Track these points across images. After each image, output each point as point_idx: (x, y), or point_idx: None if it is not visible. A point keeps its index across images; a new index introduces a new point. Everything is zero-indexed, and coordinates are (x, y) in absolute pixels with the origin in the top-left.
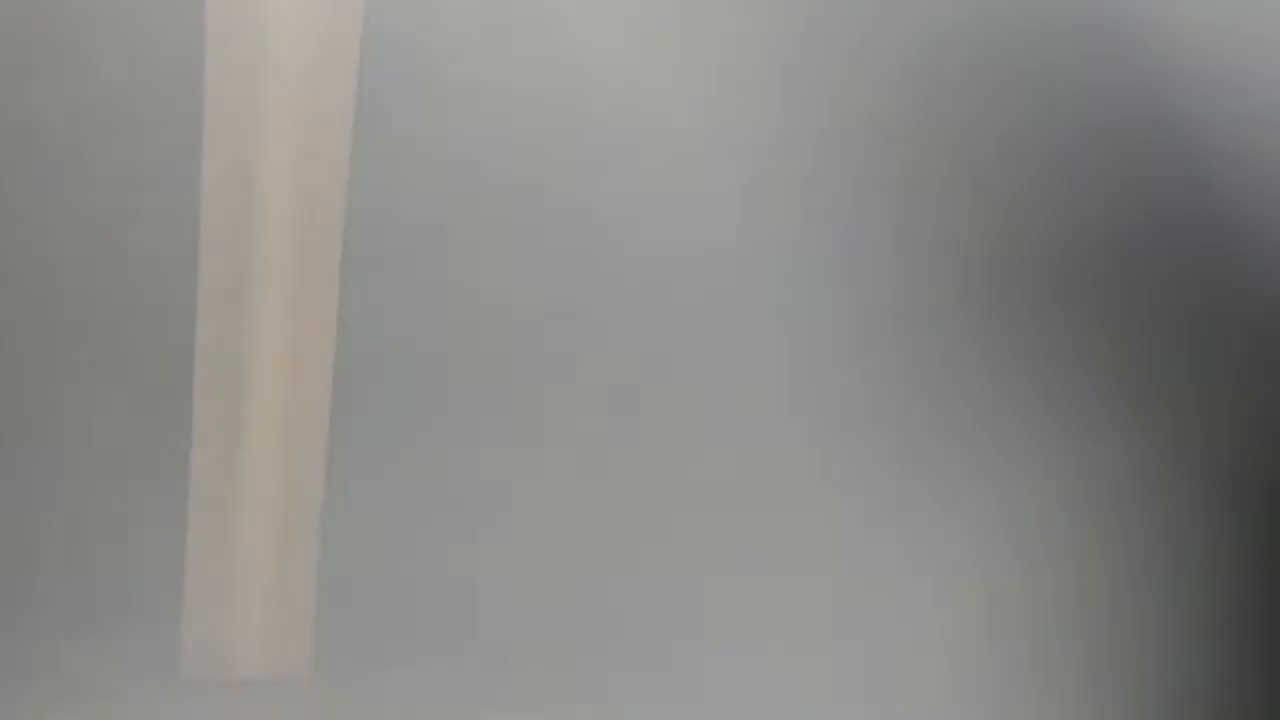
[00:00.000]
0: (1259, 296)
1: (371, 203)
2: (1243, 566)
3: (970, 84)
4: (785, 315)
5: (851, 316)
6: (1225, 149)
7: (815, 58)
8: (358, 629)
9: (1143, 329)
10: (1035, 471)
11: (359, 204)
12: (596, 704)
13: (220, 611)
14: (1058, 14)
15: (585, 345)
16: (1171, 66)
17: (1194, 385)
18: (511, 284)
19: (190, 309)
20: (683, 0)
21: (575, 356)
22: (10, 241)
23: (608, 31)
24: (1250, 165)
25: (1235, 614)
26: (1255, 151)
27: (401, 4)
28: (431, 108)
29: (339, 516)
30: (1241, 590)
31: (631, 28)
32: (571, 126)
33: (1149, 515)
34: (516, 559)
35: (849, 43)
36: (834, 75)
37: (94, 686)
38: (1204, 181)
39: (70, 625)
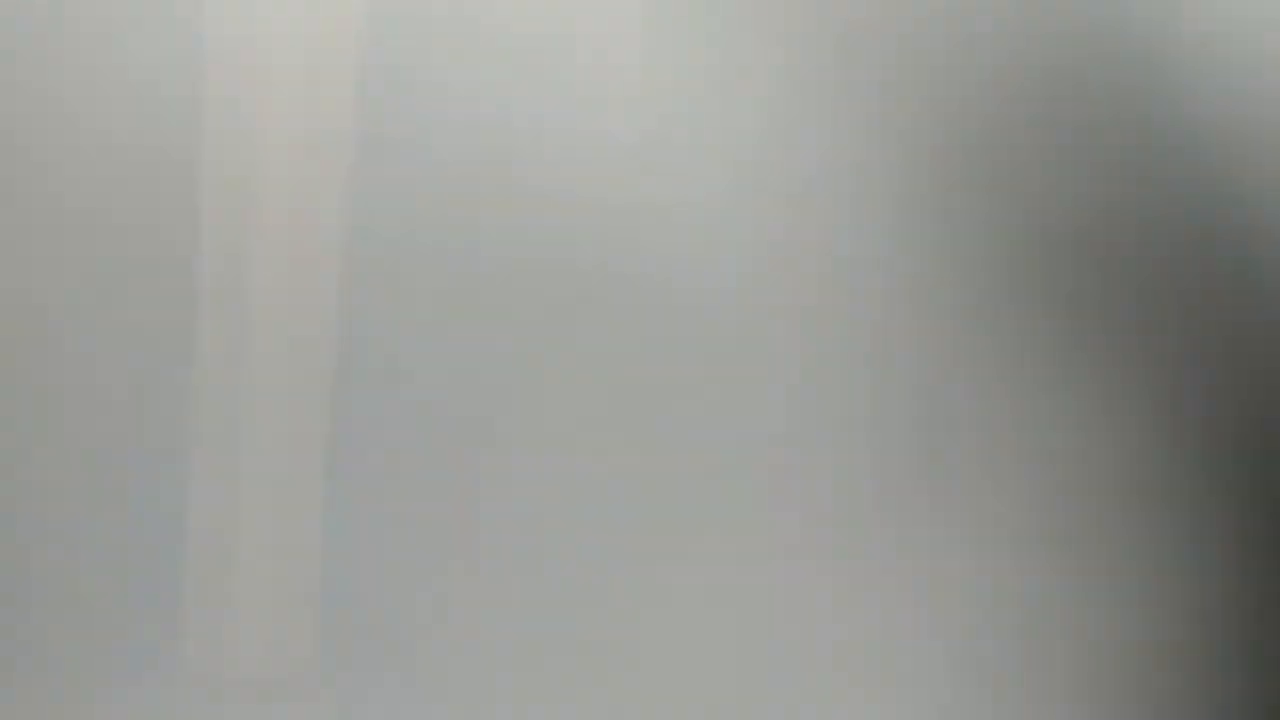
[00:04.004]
0: (1261, 292)
1: (372, 202)
2: (1243, 562)
3: (975, 85)
4: (788, 315)
5: (853, 316)
6: (1226, 147)
7: (821, 61)
8: (358, 629)
9: (1144, 327)
10: (1036, 468)
11: (360, 203)
12: (597, 704)
13: (221, 611)
14: (1062, 15)
15: (587, 346)
16: (1174, 66)
17: (1195, 383)
18: (513, 287)
19: (191, 309)
20: (689, 2)
21: (577, 357)
22: (9, 242)
23: (614, 34)
24: (1251, 162)
25: (1236, 610)
26: (1257, 149)
27: (402, 5)
28: (432, 107)
29: (340, 516)
30: (1242, 586)
31: (636, 27)
32: (576, 131)
33: (1150, 513)
34: (517, 559)
35: (855, 44)
36: (839, 78)
37: (95, 686)
38: (1206, 180)
39: (71, 625)
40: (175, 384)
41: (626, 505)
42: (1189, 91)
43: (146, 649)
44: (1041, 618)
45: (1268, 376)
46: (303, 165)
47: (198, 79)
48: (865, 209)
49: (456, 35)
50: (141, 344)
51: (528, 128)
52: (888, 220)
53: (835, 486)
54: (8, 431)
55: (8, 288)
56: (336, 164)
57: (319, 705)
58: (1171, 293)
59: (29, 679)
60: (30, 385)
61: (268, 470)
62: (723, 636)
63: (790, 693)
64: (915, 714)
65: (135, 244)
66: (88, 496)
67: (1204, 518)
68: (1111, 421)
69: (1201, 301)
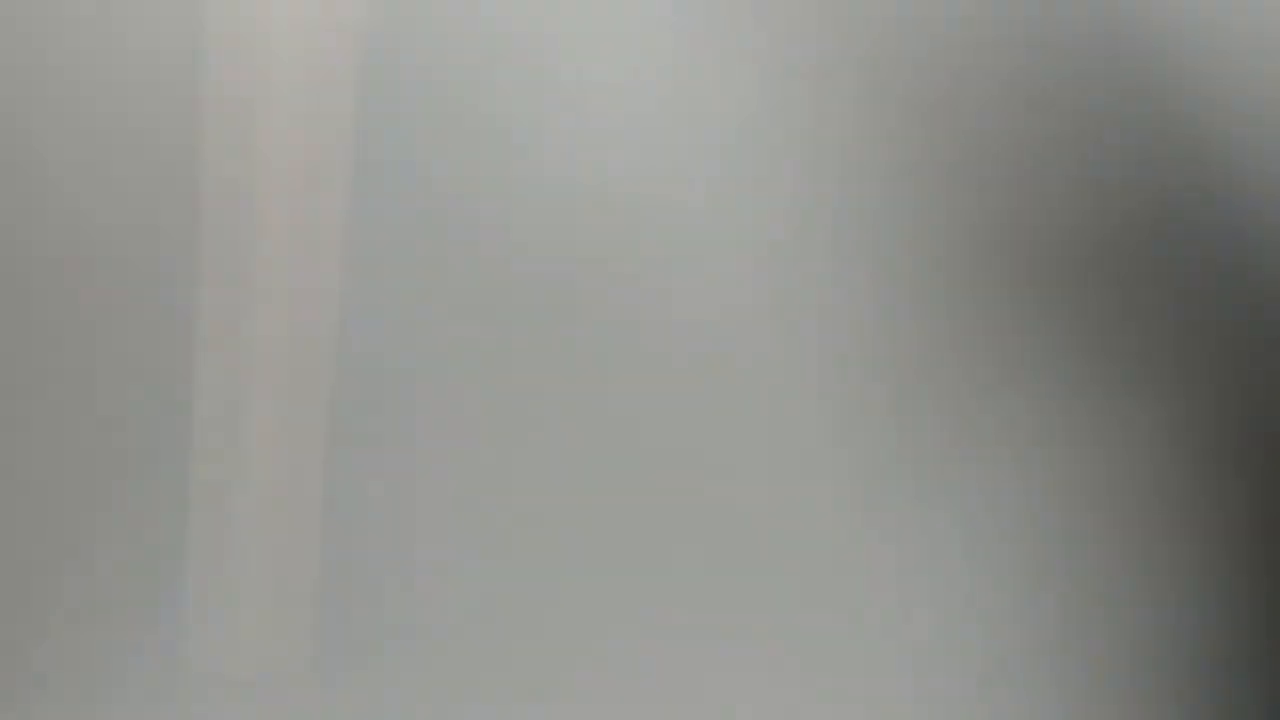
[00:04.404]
0: (1261, 291)
1: (374, 201)
2: (1243, 561)
3: (973, 82)
4: (787, 314)
5: (851, 316)
6: (1224, 144)
7: (818, 58)
8: (358, 628)
9: (1142, 326)
10: (1034, 469)
11: (361, 202)
12: (595, 704)
13: (221, 609)
14: (1060, 13)
15: (585, 345)
16: (1172, 64)
17: (1194, 381)
18: (513, 284)
19: (192, 308)
20: (689, 4)
21: (575, 356)
22: (9, 242)
23: (610, 29)
24: (1250, 160)
25: (1236, 609)
26: (1255, 146)
27: (402, 3)
28: (433, 106)
29: (340, 514)
30: (1242, 585)
31: (631, 25)
32: (576, 131)
33: (1149, 511)
34: (517, 559)
35: (851, 42)
36: (836, 75)
37: (95, 683)
38: (1204, 178)
39: (72, 622)
40: (175, 381)
41: (627, 503)
42: (1189, 91)
43: (146, 647)
44: (1040, 618)
45: (1268, 376)
46: (303, 166)
47: (197, 77)
48: (863, 209)
49: (457, 33)
50: (142, 343)
51: (528, 127)
52: (886, 221)
53: (834, 488)
54: (8, 431)
55: (7, 287)
56: (337, 165)
57: (320, 703)
58: (1171, 292)
59: (31, 677)
60: (31, 385)
61: (268, 469)
62: (721, 637)
63: (789, 692)
64: (913, 713)
65: (136, 243)
66: (88, 495)
67: (1204, 517)
68: (1110, 422)
69: (1201, 301)
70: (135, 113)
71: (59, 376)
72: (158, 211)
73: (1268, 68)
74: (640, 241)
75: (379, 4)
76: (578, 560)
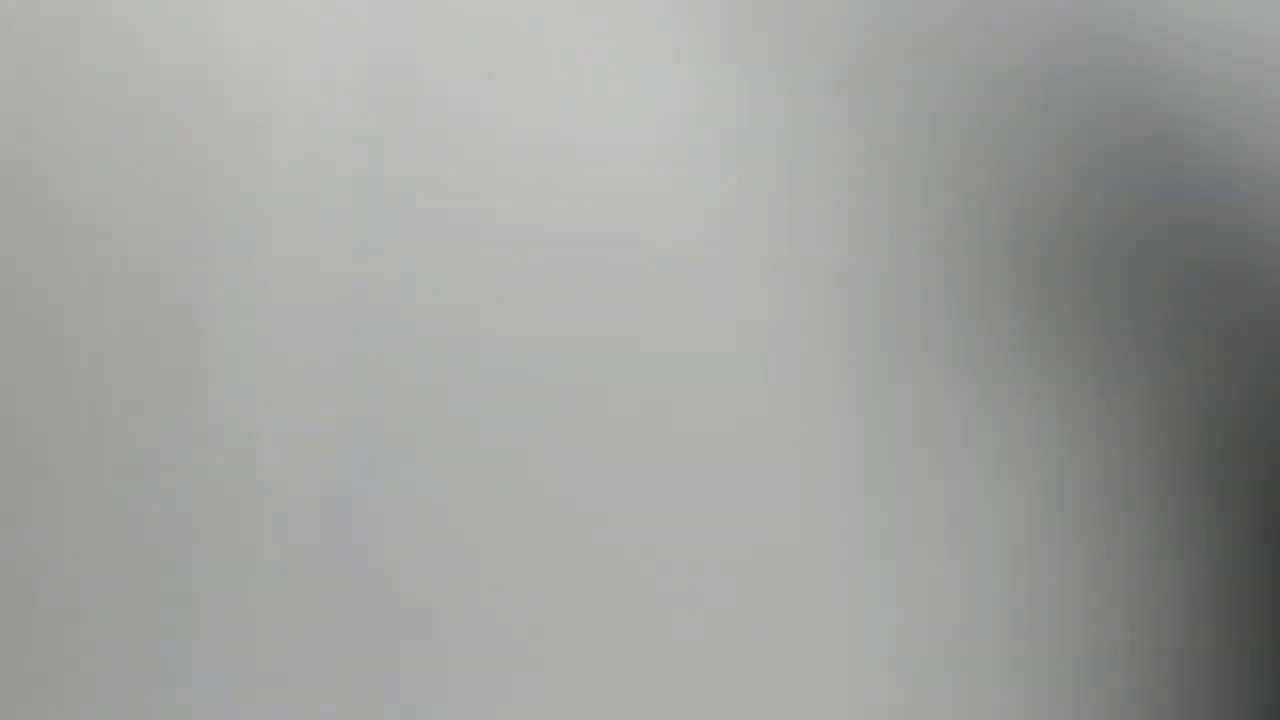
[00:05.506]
0: (1260, 291)
1: (380, 204)
2: (1243, 560)
3: (966, 83)
4: (786, 313)
5: (850, 316)
6: (1220, 144)
7: (812, 57)
8: (368, 625)
9: (1142, 325)
10: (1029, 469)
11: (367, 204)
12: (598, 704)
13: (228, 608)
14: (1057, 14)
15: (584, 348)
16: (1168, 66)
17: (1195, 381)
18: (517, 287)
19: (198, 311)
20: (689, 7)
21: (574, 360)
22: (10, 242)
23: (605, 26)
24: (1245, 160)
25: (1229, 607)
26: (1251, 147)
27: (407, 14)
28: (437, 113)
29: (346, 514)
30: (1242, 585)
31: (627, 23)
32: (581, 135)
33: (1148, 512)
34: (521, 559)
35: (844, 41)
36: (831, 75)
37: (100, 684)
38: (1199, 178)
39: (80, 621)
40: (182, 383)
41: (633, 503)
42: (1188, 91)
43: (153, 647)
44: (1037, 616)
45: (1267, 376)
46: (310, 168)
47: (207, 89)
48: (863, 208)
49: (463, 45)
50: (148, 344)
51: (533, 132)
52: (883, 219)
53: (832, 486)
54: (14, 430)
55: (16, 288)
56: (344, 171)
57: (329, 701)
58: (1170, 291)
59: (35, 675)
60: (36, 385)
61: (276, 468)
62: (725, 639)
63: (786, 691)
64: (911, 712)
65: (137, 242)
66: (96, 492)
67: (1203, 516)
68: (1109, 420)
69: (1200, 300)
70: (142, 114)
71: (64, 375)
72: (163, 211)
73: (1267, 67)
74: (645, 244)
75: (383, 21)
76: (583, 560)
